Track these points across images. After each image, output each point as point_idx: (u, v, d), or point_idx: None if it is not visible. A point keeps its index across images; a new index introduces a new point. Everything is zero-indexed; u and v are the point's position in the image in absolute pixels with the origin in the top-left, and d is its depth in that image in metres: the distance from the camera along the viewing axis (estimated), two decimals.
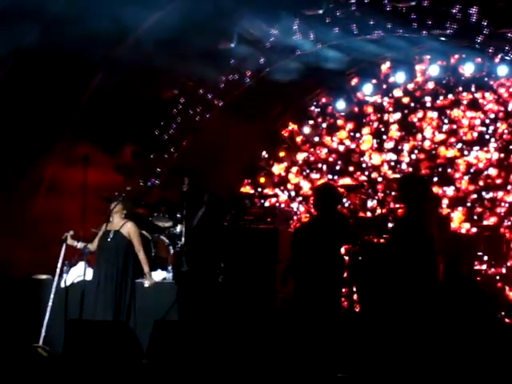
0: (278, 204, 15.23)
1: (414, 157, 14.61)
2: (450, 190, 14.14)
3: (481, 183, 14.02)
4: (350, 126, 15.19)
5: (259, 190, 15.41)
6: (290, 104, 15.35)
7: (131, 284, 9.70)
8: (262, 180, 15.43)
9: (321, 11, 12.26)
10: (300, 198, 15.27)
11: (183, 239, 10.20)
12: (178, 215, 10.84)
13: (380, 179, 14.73)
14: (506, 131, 14.05)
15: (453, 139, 14.40)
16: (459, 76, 14.48)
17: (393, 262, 8.53)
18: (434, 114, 14.62)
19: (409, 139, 14.71)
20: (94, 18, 10.35)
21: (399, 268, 8.34)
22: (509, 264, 12.99)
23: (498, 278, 12.55)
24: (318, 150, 15.38)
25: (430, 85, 14.72)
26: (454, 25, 12.38)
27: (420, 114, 14.73)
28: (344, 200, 13.30)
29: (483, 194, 13.95)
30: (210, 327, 8.77)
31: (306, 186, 15.25)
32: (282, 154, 15.54)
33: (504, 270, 12.71)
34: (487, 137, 14.19)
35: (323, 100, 15.47)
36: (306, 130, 15.48)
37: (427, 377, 7.94)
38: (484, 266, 12.35)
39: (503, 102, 14.20)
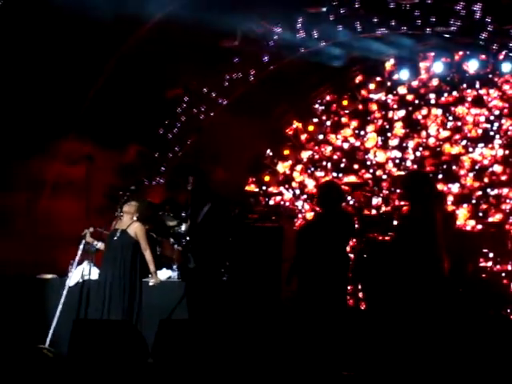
0: (282, 202, 15.23)
1: (418, 154, 14.59)
2: (454, 187, 14.12)
3: (486, 180, 13.99)
4: (354, 123, 15.18)
5: (264, 188, 15.40)
6: (294, 102, 15.33)
7: (138, 283, 9.71)
8: (267, 178, 15.41)
9: (324, 9, 12.26)
10: (305, 196, 15.26)
11: (188, 237, 10.21)
12: (183, 214, 10.83)
13: (385, 177, 14.71)
14: (510, 128, 14.02)
15: (457, 136, 14.37)
16: (463, 73, 14.45)
17: (398, 259, 8.53)
18: (439, 111, 14.60)
19: (413, 136, 14.69)
20: (99, 16, 10.37)
21: (404, 266, 8.34)
22: None
23: (503, 274, 12.54)
24: (323, 147, 15.36)
25: (435, 82, 14.70)
26: (458, 22, 12.38)
27: (424, 111, 14.70)
28: (349, 198, 13.31)
29: (488, 190, 13.92)
30: (215, 326, 8.77)
31: (310, 184, 15.23)
32: (286, 152, 15.52)
33: (509, 267, 12.68)
34: (492, 133, 14.16)
35: (327, 98, 15.46)
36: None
37: (433, 374, 7.93)
38: (489, 263, 12.33)
39: (508, 99, 14.18)
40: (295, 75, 14.01)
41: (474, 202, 13.95)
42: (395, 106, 14.96)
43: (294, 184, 15.42)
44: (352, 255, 10.67)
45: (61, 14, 10.36)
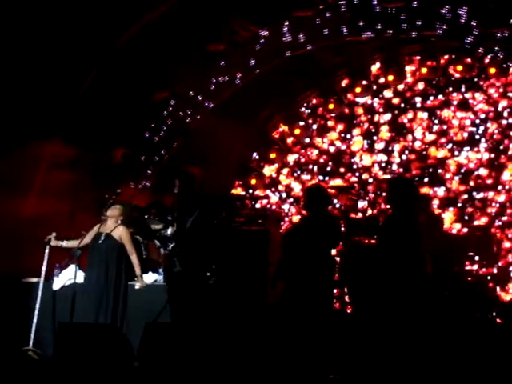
0: (268, 205, 15.23)
1: (404, 157, 14.60)
2: (440, 191, 14.14)
3: (471, 183, 14.01)
4: (340, 127, 15.19)
5: (250, 191, 15.40)
6: (280, 105, 15.34)
7: (123, 286, 9.69)
8: (253, 181, 15.40)
9: (310, 13, 12.28)
10: (291, 200, 15.26)
11: (175, 241, 10.19)
12: (169, 217, 10.82)
13: (371, 180, 14.73)
14: (496, 131, 14.05)
15: (443, 140, 14.39)
16: (449, 76, 14.49)
17: (382, 262, 8.57)
18: (425, 115, 14.62)
19: (399, 140, 14.71)
20: (83, 22, 10.36)
21: (388, 268, 8.37)
22: (500, 264, 13.02)
23: (489, 277, 12.55)
24: (309, 151, 15.37)
25: (420, 85, 14.73)
26: (444, 25, 12.39)
27: (410, 115, 14.73)
28: (335, 201, 13.32)
29: (474, 194, 13.94)
30: (201, 329, 8.75)
31: (297, 188, 15.23)
32: (272, 156, 15.51)
33: (495, 270, 12.71)
34: (477, 137, 14.17)
35: (314, 101, 15.47)
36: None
37: (419, 377, 7.94)
38: (475, 266, 12.34)
39: (493, 103, 14.20)
40: (281, 79, 14.02)
41: (459, 205, 13.96)
42: (381, 110, 14.99)
43: (280, 187, 15.42)
44: (338, 258, 10.67)
45: (47, 16, 10.35)
